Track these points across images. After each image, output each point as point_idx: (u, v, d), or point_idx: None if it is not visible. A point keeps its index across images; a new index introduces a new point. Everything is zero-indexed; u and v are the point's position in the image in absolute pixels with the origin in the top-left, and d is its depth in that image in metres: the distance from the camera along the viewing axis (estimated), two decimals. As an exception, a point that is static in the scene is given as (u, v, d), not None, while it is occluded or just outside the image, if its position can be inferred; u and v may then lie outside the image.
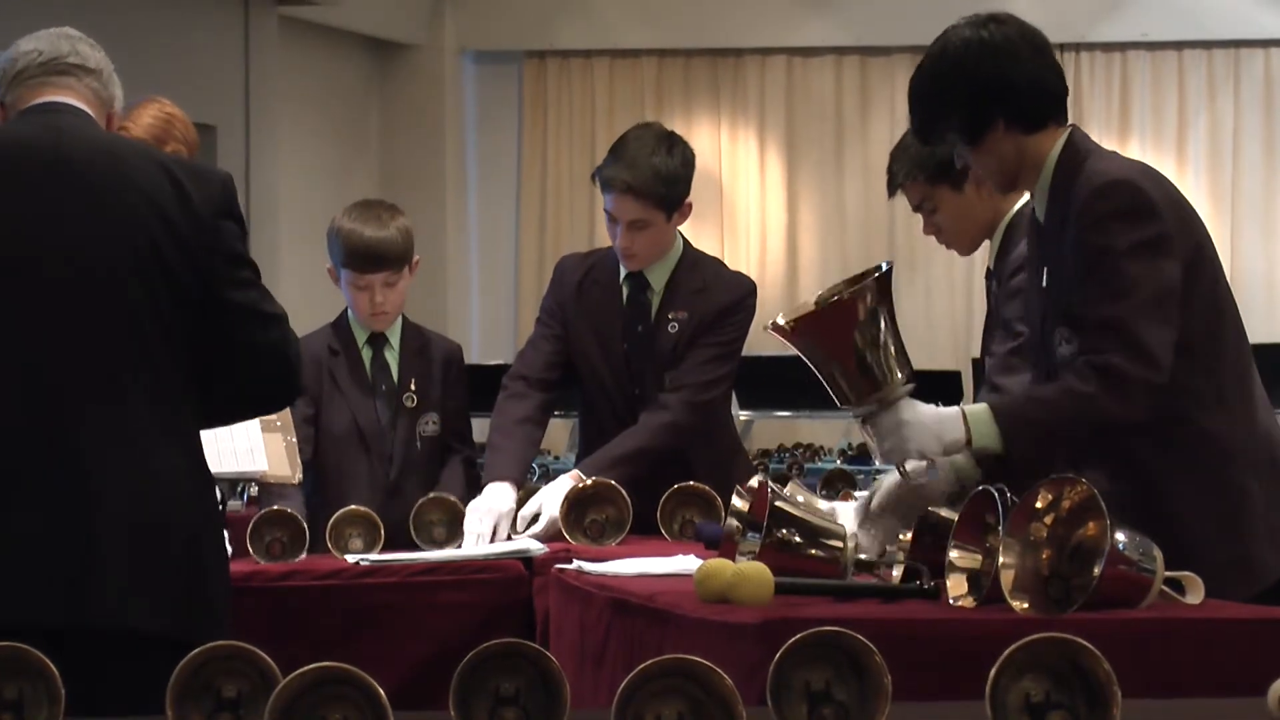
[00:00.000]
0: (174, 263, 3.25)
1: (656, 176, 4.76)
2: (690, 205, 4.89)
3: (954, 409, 3.37)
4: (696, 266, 4.95)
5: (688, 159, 4.85)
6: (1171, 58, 13.15)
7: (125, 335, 3.22)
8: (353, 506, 4.51)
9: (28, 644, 2.24)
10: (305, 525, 4.34)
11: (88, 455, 3.17)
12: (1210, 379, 3.48)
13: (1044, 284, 3.56)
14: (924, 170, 4.04)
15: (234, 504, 5.35)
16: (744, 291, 4.96)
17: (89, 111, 3.38)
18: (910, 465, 3.43)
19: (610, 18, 13.47)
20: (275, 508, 4.39)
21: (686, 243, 4.98)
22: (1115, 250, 3.37)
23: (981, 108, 3.48)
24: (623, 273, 4.92)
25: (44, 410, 3.19)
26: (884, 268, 3.38)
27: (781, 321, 3.38)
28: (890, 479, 3.60)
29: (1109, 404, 3.35)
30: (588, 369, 4.94)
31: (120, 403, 3.20)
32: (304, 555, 4.31)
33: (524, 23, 13.54)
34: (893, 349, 3.35)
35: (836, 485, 5.14)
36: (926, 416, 3.35)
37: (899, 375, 3.36)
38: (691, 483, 4.66)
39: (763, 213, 13.49)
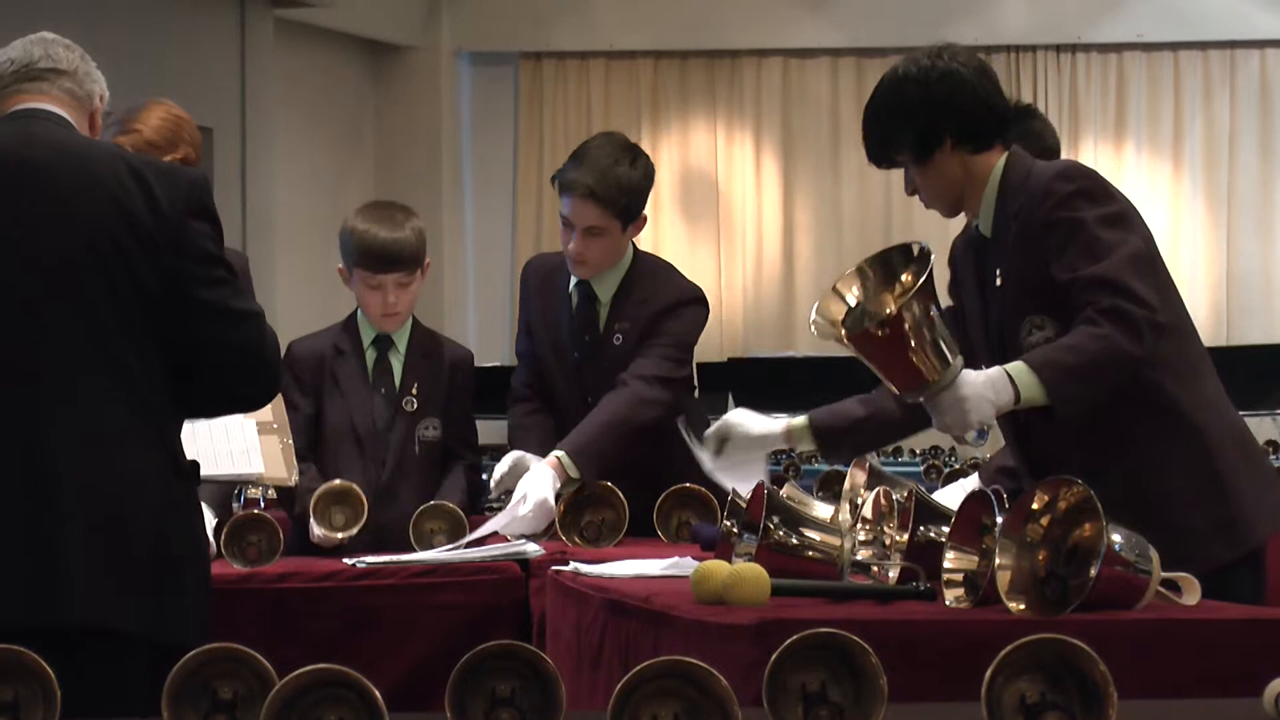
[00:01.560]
0: (138, 262, 3.25)
1: (618, 185, 4.76)
2: (645, 218, 4.88)
3: (998, 370, 3.47)
4: (645, 277, 4.92)
5: (649, 172, 4.86)
6: (1167, 59, 13.17)
7: (89, 333, 3.22)
8: (336, 482, 4.52)
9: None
10: (280, 530, 4.34)
11: (51, 455, 3.17)
12: (1184, 357, 3.65)
13: (998, 284, 3.69)
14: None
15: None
16: (686, 296, 4.91)
17: (64, 113, 3.39)
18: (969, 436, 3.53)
19: (606, 19, 13.48)
20: (254, 512, 4.39)
21: (638, 253, 4.96)
22: (1087, 222, 3.55)
23: (931, 125, 3.67)
24: (572, 281, 4.91)
25: (9, 411, 3.19)
26: (921, 254, 3.43)
27: (826, 327, 3.48)
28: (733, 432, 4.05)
29: (1124, 342, 3.46)
30: (547, 373, 4.95)
31: (86, 402, 3.20)
32: (278, 559, 4.32)
33: (519, 24, 13.55)
34: (943, 337, 3.42)
35: (833, 486, 5.13)
36: (981, 386, 3.45)
37: (951, 358, 3.43)
38: (688, 484, 4.66)
39: (759, 214, 13.50)
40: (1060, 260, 3.55)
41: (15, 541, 3.15)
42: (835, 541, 3.34)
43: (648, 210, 4.90)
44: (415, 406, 4.91)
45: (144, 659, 2.99)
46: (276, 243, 11.40)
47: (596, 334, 4.89)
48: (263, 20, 11.70)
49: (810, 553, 3.33)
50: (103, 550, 3.17)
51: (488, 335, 13.59)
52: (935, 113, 3.66)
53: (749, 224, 13.45)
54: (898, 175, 4.08)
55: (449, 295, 13.38)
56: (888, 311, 3.40)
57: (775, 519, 3.34)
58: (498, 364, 11.95)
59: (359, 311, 4.96)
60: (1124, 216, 3.59)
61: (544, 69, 13.66)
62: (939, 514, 3.36)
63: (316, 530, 4.51)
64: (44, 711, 2.21)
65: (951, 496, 3.91)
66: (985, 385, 3.44)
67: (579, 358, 4.90)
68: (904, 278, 3.45)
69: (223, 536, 4.28)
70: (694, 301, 4.92)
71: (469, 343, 13.01)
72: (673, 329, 4.85)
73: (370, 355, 4.94)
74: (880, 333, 3.38)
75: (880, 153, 3.78)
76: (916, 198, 4.10)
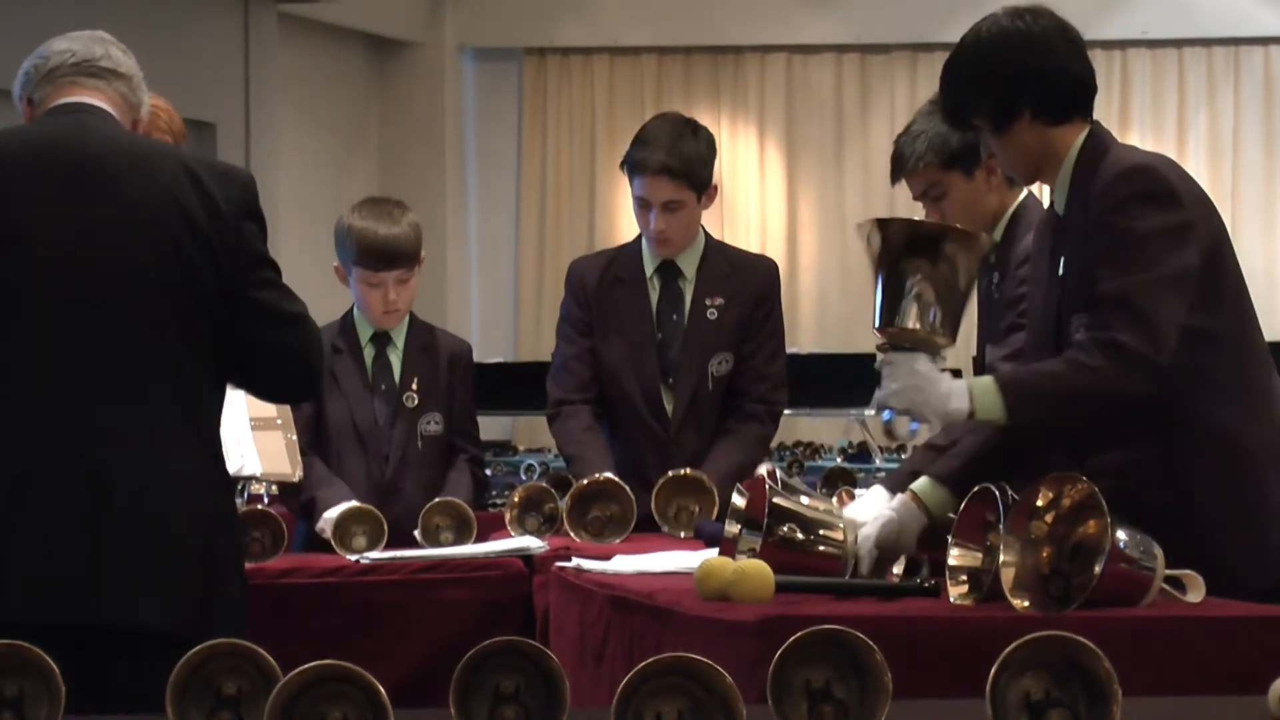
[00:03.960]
0: (196, 263, 3.25)
1: (686, 157, 4.90)
2: (716, 188, 5.03)
3: (960, 382, 3.33)
4: (720, 252, 5.08)
5: (711, 143, 5.01)
6: (1171, 55, 13.16)
7: (147, 335, 3.22)
8: (357, 504, 4.51)
9: (39, 642, 2.24)
10: (284, 525, 4.34)
11: (105, 454, 3.18)
12: (1236, 372, 3.48)
13: (1060, 273, 3.55)
14: (939, 155, 4.05)
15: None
16: (774, 274, 5.11)
17: (115, 114, 3.38)
18: (900, 428, 3.37)
19: (610, 15, 13.48)
20: (257, 508, 4.39)
21: (706, 232, 5.08)
22: (1136, 232, 3.38)
23: (1011, 96, 3.50)
24: (649, 266, 4.99)
25: (62, 408, 3.19)
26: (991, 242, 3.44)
27: (879, 217, 3.40)
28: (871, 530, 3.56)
29: (1114, 378, 3.32)
30: (611, 369, 4.97)
31: (139, 402, 3.21)
32: (281, 555, 4.32)
33: (524, 20, 13.54)
34: (955, 310, 3.32)
35: (836, 483, 5.14)
36: (939, 380, 3.31)
37: (946, 332, 3.33)
38: (685, 471, 4.68)
39: (762, 210, 13.49)
40: (1100, 269, 3.40)
41: (65, 539, 3.15)
42: (839, 536, 3.32)
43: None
44: (416, 402, 4.91)
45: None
46: (280, 239, 11.38)
47: (684, 311, 4.98)
48: (267, 16, 11.70)
49: (820, 548, 3.32)
50: (148, 551, 3.17)
51: (491, 331, 13.60)
52: (1016, 83, 3.50)
53: (753, 220, 13.44)
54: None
55: (452, 291, 13.38)
56: (954, 225, 3.35)
57: (778, 514, 3.31)
58: (501, 360, 11.96)
59: (354, 309, 4.96)
60: (1181, 228, 3.39)
61: (548, 65, 13.66)
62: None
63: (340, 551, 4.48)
64: (48, 707, 2.21)
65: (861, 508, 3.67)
66: (944, 384, 3.30)
67: (664, 338, 4.97)
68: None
69: None
70: (777, 274, 5.12)
71: (472, 339, 13.06)
72: (774, 317, 5.04)
73: (369, 353, 4.94)
74: (930, 233, 3.33)
75: (956, 117, 3.65)
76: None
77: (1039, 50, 3.51)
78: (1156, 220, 3.38)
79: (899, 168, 4.12)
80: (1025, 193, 4.10)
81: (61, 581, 3.14)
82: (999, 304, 4.06)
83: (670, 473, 4.68)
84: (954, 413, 3.31)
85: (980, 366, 4.17)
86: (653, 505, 4.63)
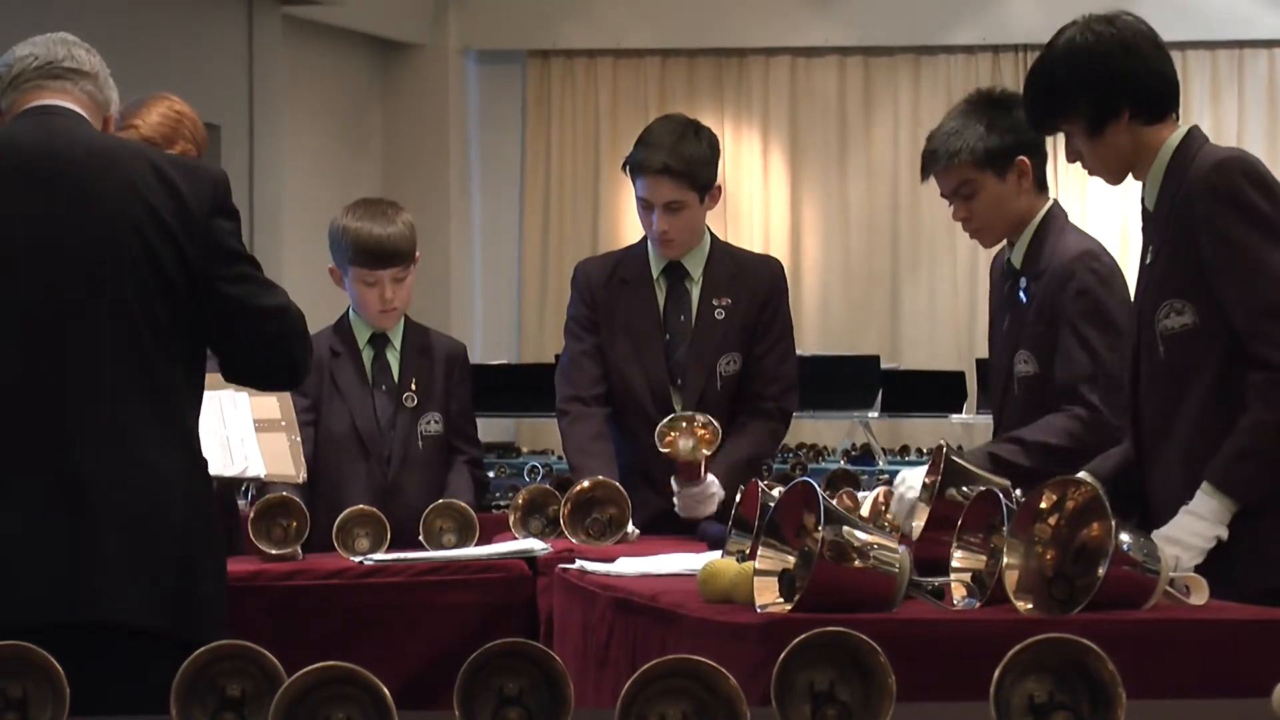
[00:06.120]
0: (167, 261, 3.27)
1: (688, 157, 4.89)
2: (720, 189, 5.02)
3: (1196, 521, 3.45)
4: (726, 253, 5.08)
5: (713, 143, 5.00)
6: (1175, 58, 13.01)
7: (118, 333, 3.24)
8: (360, 506, 4.51)
9: (17, 639, 2.25)
10: (307, 512, 4.34)
11: (79, 452, 3.19)
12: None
13: (1148, 262, 3.62)
14: (974, 153, 4.12)
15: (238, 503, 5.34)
16: (780, 274, 5.10)
17: (84, 114, 3.39)
18: None
19: (614, 17, 13.49)
20: (282, 494, 4.38)
21: (712, 233, 5.08)
22: (1240, 231, 3.49)
23: (1110, 98, 3.59)
24: (656, 267, 4.99)
25: (36, 408, 3.20)
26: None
27: None
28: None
29: (1270, 416, 3.44)
30: (619, 369, 4.97)
31: (113, 400, 3.22)
32: (300, 547, 4.31)
33: (527, 22, 13.55)
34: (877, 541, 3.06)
35: (841, 486, 5.13)
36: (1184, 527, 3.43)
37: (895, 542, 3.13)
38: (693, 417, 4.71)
39: (766, 213, 13.50)
40: (1215, 270, 3.49)
41: (43, 538, 3.16)
42: (895, 555, 3.04)
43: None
44: (416, 402, 4.91)
45: (167, 655, 3.02)
46: (283, 240, 11.40)
47: (691, 312, 4.98)
48: (270, 18, 11.71)
49: (873, 563, 3.01)
50: (128, 548, 3.18)
51: (494, 333, 13.60)
52: (1116, 85, 3.59)
53: (756, 223, 13.45)
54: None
55: (455, 293, 13.39)
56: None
57: (830, 527, 2.98)
58: (504, 361, 11.97)
59: (351, 311, 4.97)
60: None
61: (551, 67, 13.66)
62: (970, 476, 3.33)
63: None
64: (53, 708, 2.21)
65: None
66: (1191, 526, 3.43)
67: (671, 340, 4.98)
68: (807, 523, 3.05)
69: (250, 522, 4.29)
70: (783, 273, 5.11)
71: (474, 340, 13.07)
72: (782, 315, 5.03)
73: (367, 354, 4.95)
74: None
75: (1045, 120, 3.72)
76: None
77: (1134, 53, 3.62)
78: (1257, 216, 3.50)
79: (930, 164, 4.19)
80: (1051, 200, 4.20)
81: (39, 581, 3.15)
82: (1027, 307, 4.14)
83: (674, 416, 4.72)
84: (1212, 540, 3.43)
85: (1008, 371, 4.18)
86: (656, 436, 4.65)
